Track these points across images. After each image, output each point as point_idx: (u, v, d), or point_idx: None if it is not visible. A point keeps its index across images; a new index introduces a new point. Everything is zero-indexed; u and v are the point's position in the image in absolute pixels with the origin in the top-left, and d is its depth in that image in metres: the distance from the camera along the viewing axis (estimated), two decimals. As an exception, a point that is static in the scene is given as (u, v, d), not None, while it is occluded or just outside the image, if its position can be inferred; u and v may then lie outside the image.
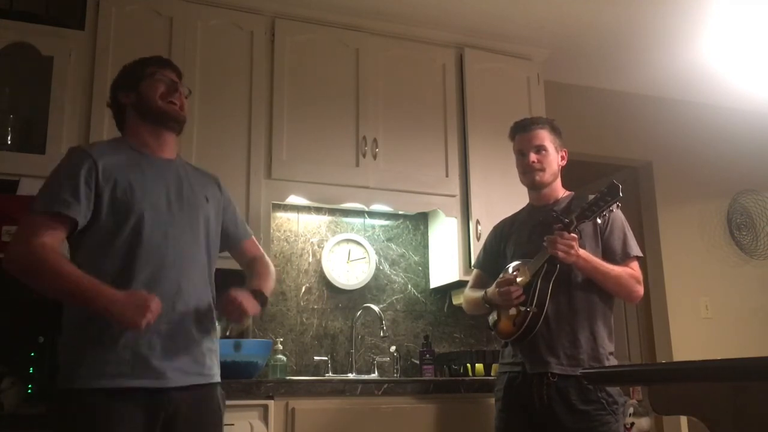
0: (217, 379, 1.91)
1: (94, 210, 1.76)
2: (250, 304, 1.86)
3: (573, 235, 2.17)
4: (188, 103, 2.00)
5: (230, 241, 2.08)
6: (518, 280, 2.25)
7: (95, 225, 1.77)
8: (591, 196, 2.21)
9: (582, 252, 2.20)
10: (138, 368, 1.71)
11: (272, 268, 2.10)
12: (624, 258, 2.30)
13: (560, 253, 2.16)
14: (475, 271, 2.62)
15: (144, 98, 1.90)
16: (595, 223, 2.24)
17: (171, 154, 1.96)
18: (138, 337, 1.71)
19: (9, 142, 2.67)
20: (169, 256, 1.81)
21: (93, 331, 1.70)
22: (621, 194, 2.15)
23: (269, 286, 2.02)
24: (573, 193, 2.45)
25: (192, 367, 1.81)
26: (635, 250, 2.32)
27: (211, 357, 1.89)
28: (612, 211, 2.21)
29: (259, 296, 1.91)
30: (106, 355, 1.69)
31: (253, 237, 2.15)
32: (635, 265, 2.31)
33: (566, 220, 2.19)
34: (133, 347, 1.71)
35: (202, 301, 1.87)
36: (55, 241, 1.72)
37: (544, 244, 2.20)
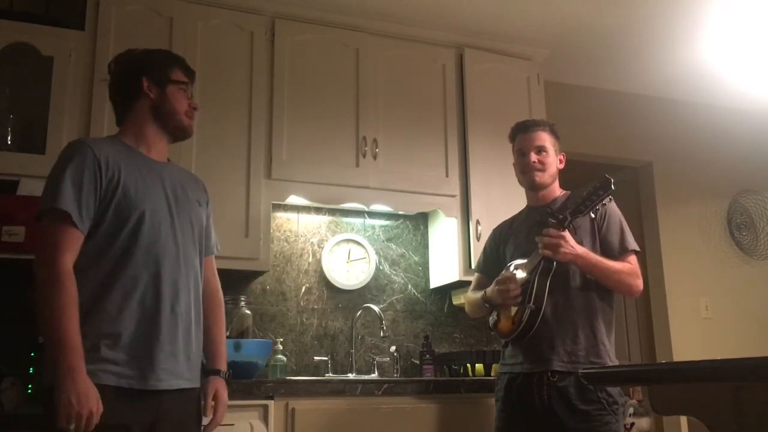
0: (200, 383, 1.90)
1: (98, 210, 1.74)
2: (224, 407, 1.91)
3: (560, 232, 2.18)
4: None
5: None
6: (517, 278, 2.26)
7: (97, 227, 1.74)
8: (584, 191, 2.23)
9: (580, 249, 2.21)
10: (133, 369, 1.70)
11: (221, 299, 2.04)
12: (622, 252, 2.31)
13: (548, 253, 2.17)
14: (476, 274, 2.63)
15: (169, 105, 1.89)
16: (592, 218, 2.25)
17: (163, 158, 1.95)
18: (137, 338, 1.71)
19: (9, 142, 2.67)
20: (168, 258, 1.80)
21: (90, 329, 1.67)
22: (613, 187, 2.17)
23: (223, 348, 1.99)
24: (569, 192, 2.46)
25: (185, 371, 1.80)
26: (633, 244, 2.33)
27: (200, 361, 1.89)
28: (605, 204, 2.22)
29: (226, 378, 1.95)
30: (102, 353, 1.67)
31: (214, 255, 2.07)
32: (633, 259, 2.32)
33: (560, 216, 2.20)
34: (130, 348, 1.70)
35: (197, 305, 1.88)
36: (76, 250, 1.70)
37: (536, 239, 2.21)
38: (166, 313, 1.76)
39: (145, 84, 1.88)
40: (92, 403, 1.58)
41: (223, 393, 1.91)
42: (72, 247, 1.69)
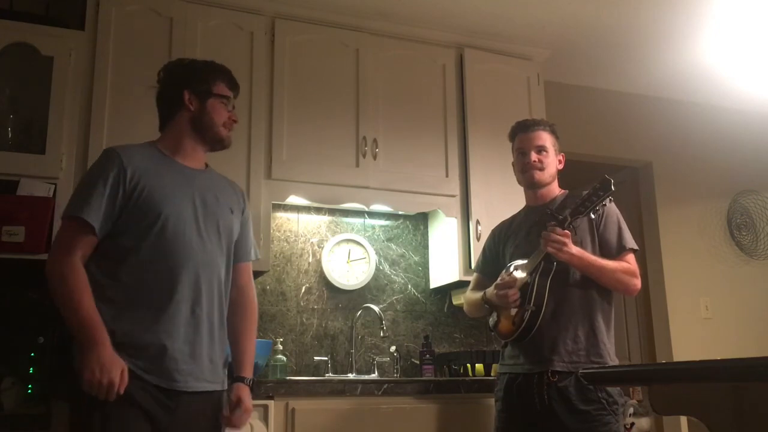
0: (225, 385, 1.92)
1: (120, 215, 1.78)
2: (247, 413, 1.92)
3: (565, 231, 2.18)
4: None
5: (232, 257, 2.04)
6: (518, 278, 2.26)
7: (122, 232, 1.78)
8: (584, 192, 2.23)
9: (576, 249, 2.21)
10: (155, 365, 1.72)
11: (255, 307, 2.05)
12: (620, 251, 2.31)
13: (552, 250, 2.17)
14: (475, 274, 2.63)
15: (208, 118, 1.93)
16: (590, 218, 2.25)
17: (200, 165, 1.98)
18: (157, 339, 1.73)
19: (9, 142, 2.67)
20: (190, 262, 1.82)
21: (115, 329, 1.71)
22: (613, 188, 2.17)
23: (252, 356, 2.00)
24: (567, 191, 2.46)
25: (207, 373, 1.83)
26: (630, 242, 2.33)
27: (223, 364, 1.91)
28: (605, 205, 2.22)
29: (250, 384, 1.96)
30: (124, 352, 1.70)
31: (251, 262, 2.09)
32: (631, 258, 2.32)
33: (560, 216, 2.21)
34: (150, 349, 1.73)
35: (220, 309, 1.90)
36: (86, 252, 1.75)
37: (543, 234, 2.21)
38: (185, 316, 1.78)
39: (186, 96, 1.92)
40: (114, 373, 1.63)
41: (247, 399, 1.92)
42: (82, 247, 1.74)
